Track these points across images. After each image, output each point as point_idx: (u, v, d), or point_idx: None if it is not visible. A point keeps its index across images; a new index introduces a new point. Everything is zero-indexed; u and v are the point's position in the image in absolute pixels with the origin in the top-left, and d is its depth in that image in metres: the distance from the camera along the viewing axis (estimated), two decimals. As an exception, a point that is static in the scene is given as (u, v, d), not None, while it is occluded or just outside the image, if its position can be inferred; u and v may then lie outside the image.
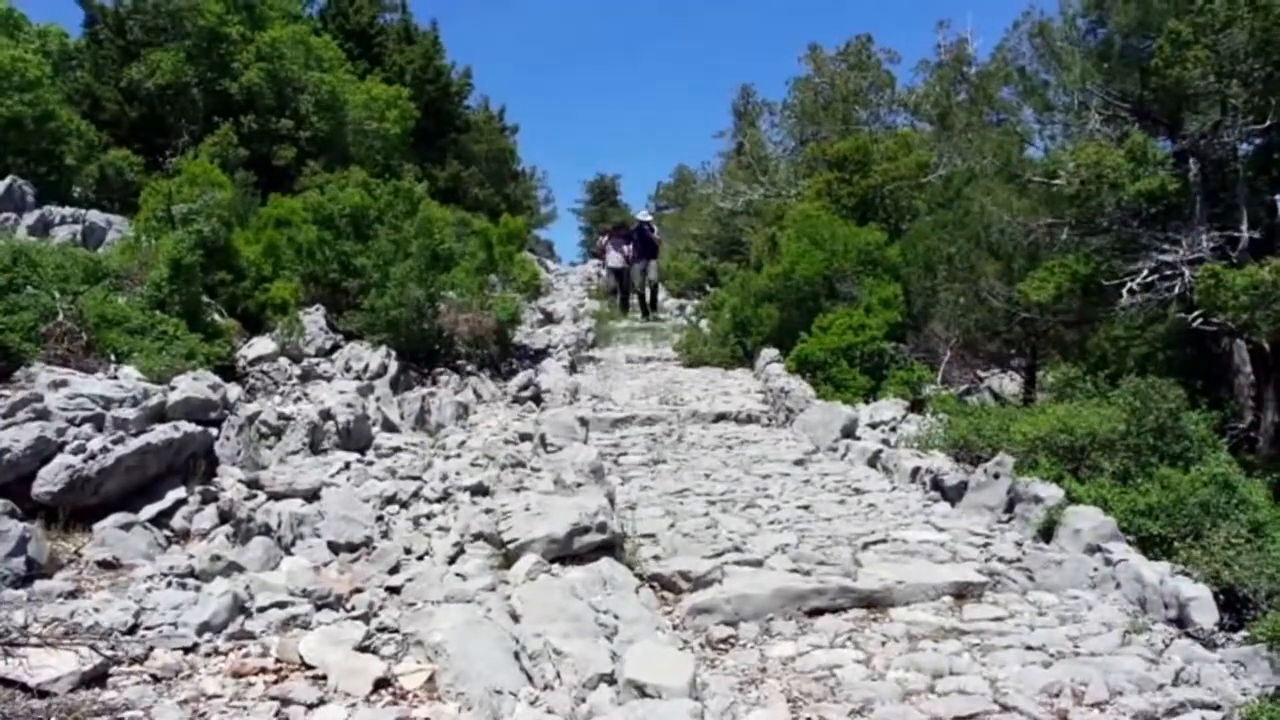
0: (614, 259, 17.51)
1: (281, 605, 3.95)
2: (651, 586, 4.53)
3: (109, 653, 3.42)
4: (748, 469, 7.17)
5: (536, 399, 9.71)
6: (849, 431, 8.10)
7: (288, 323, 9.20)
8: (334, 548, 4.87)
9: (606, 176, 47.05)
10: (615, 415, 9.22)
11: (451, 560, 4.72)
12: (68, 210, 12.94)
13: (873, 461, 7.29)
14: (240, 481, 5.74)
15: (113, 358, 7.25)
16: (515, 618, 3.82)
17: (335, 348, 9.68)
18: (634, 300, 17.74)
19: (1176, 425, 6.32)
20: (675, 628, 4.14)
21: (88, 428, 5.61)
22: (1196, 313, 10.20)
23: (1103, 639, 4.00)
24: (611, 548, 4.64)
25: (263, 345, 8.80)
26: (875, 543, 5.17)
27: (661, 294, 20.16)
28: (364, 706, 3.20)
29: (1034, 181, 11.94)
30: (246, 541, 4.84)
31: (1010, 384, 13.59)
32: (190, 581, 4.28)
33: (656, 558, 4.85)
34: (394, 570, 4.62)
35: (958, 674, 3.65)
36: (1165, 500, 5.45)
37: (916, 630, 4.08)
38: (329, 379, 8.62)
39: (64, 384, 6.15)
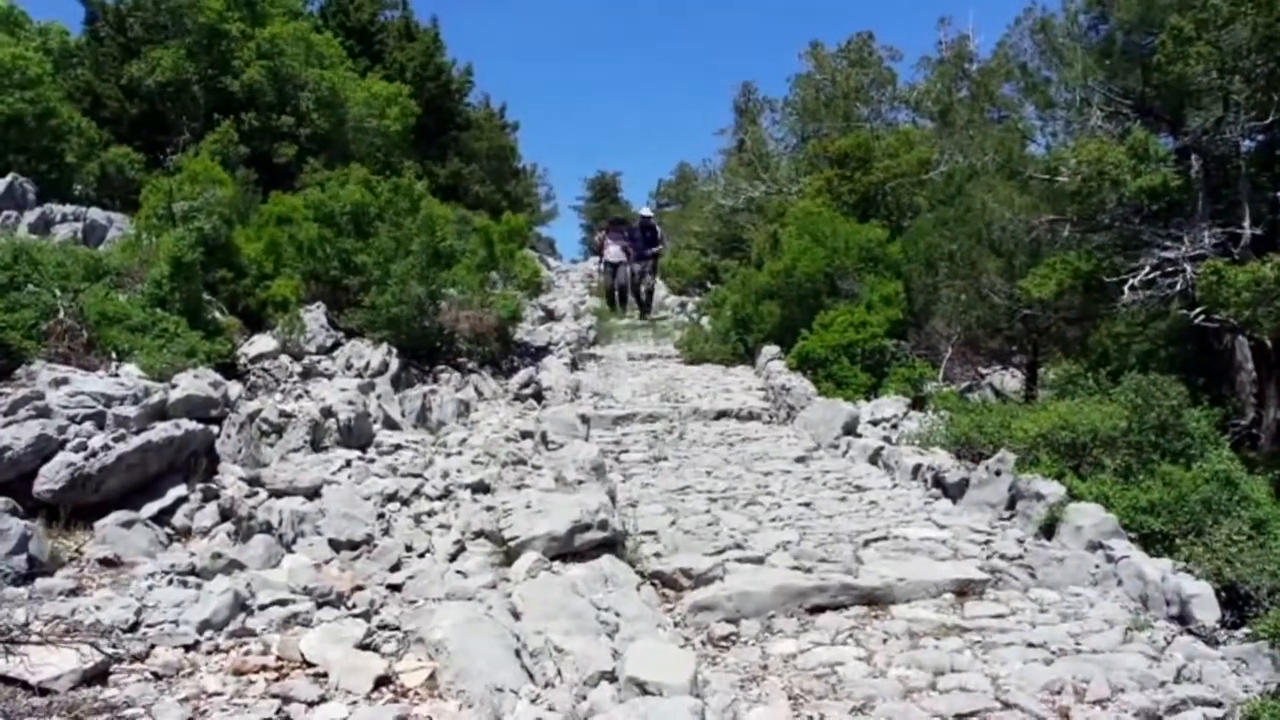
0: (612, 253, 17.27)
1: (282, 603, 3.95)
2: (653, 584, 4.53)
3: (110, 650, 3.43)
4: (749, 466, 7.17)
5: (538, 396, 9.71)
6: (850, 429, 8.10)
7: (289, 320, 9.20)
8: (335, 545, 4.87)
9: (607, 174, 47.16)
10: (616, 412, 9.21)
11: (452, 558, 4.72)
12: (69, 208, 12.94)
13: (874, 459, 7.28)
14: (241, 479, 5.73)
15: (114, 355, 7.25)
16: (516, 615, 3.82)
17: (336, 345, 9.68)
18: (631, 298, 17.29)
19: (1178, 422, 6.31)
20: (676, 625, 4.14)
21: (89, 425, 5.61)
22: (1198, 309, 10.19)
23: (1104, 636, 3.99)
24: (613, 545, 4.64)
25: (264, 343, 8.80)
26: (876, 540, 5.16)
27: (662, 291, 20.06)
28: (365, 704, 3.20)
29: (1035, 178, 11.94)
30: (247, 539, 4.84)
31: (1012, 381, 13.59)
32: (191, 579, 4.28)
33: (658, 555, 4.85)
34: (395, 568, 4.63)
35: (959, 671, 3.65)
36: (1167, 497, 5.44)
37: (918, 627, 4.08)
38: (330, 376, 8.62)
39: (65, 382, 6.15)
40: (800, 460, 7.38)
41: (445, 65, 24.73)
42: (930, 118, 17.49)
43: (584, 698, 3.18)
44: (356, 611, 3.99)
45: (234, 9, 17.87)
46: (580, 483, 5.36)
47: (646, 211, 18.53)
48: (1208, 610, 4.10)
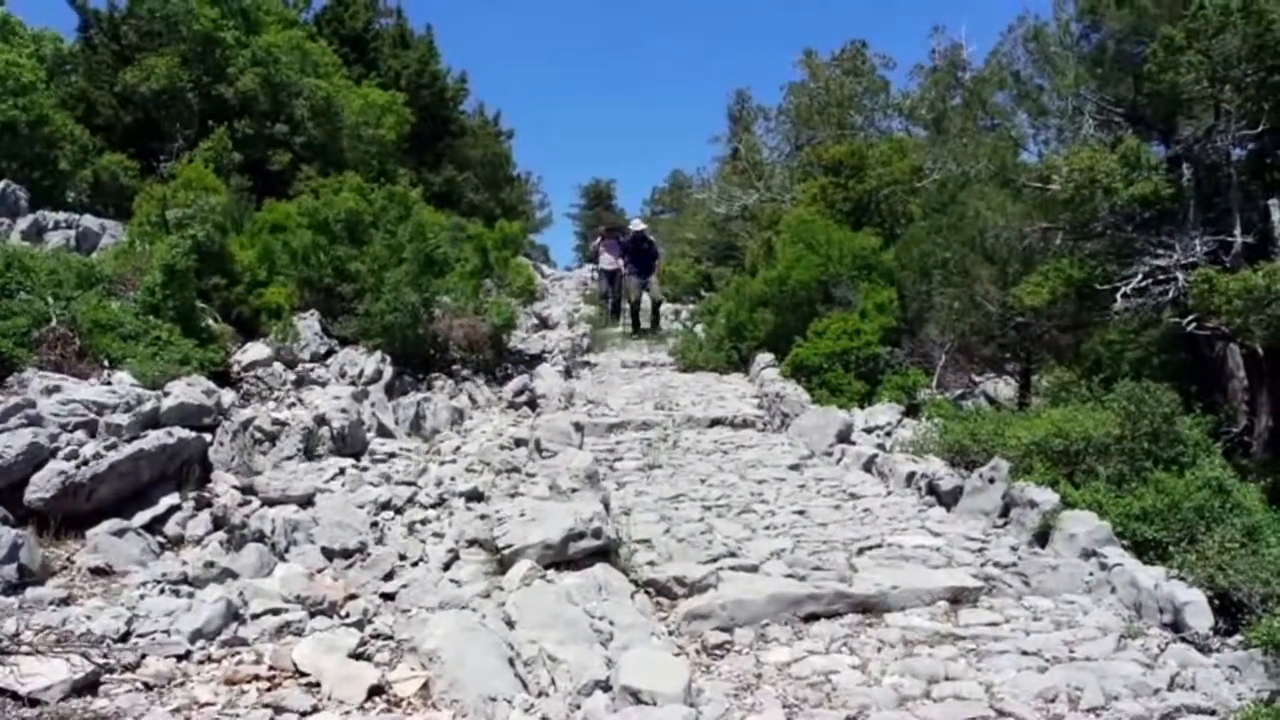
0: (607, 260, 17.09)
1: (275, 612, 3.94)
2: (647, 592, 4.52)
3: (101, 660, 3.41)
4: (743, 474, 7.16)
5: (532, 404, 9.70)
6: (844, 436, 8.11)
7: (282, 328, 9.18)
8: (328, 554, 4.86)
9: (601, 181, 47.07)
10: (610, 420, 9.20)
11: (446, 566, 4.71)
12: (61, 215, 12.89)
13: (868, 466, 7.28)
14: (234, 487, 5.72)
15: (106, 363, 7.23)
16: (510, 624, 3.81)
17: (330, 353, 9.66)
18: (626, 306, 16.87)
19: (1171, 429, 6.33)
20: (670, 633, 4.13)
21: (81, 434, 5.59)
22: (1190, 317, 10.22)
23: (1098, 644, 4.00)
24: (606, 553, 4.63)
25: (257, 350, 8.78)
26: (871, 548, 5.16)
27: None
28: (358, 714, 3.19)
29: (1028, 186, 11.99)
30: (240, 548, 4.82)
31: (1005, 388, 13.59)
32: (183, 588, 4.27)
33: (652, 563, 4.84)
34: (388, 576, 4.61)
35: (953, 679, 3.65)
36: (1160, 504, 5.45)
37: (912, 635, 4.08)
38: (324, 384, 8.61)
39: (57, 390, 6.12)
40: (794, 468, 7.38)
41: (440, 73, 24.74)
42: (923, 126, 17.52)
43: (578, 707, 3.17)
44: (350, 620, 3.98)
45: (228, 17, 17.87)
46: (574, 491, 5.35)
47: (640, 225, 17.29)
48: (1201, 617, 4.11)
